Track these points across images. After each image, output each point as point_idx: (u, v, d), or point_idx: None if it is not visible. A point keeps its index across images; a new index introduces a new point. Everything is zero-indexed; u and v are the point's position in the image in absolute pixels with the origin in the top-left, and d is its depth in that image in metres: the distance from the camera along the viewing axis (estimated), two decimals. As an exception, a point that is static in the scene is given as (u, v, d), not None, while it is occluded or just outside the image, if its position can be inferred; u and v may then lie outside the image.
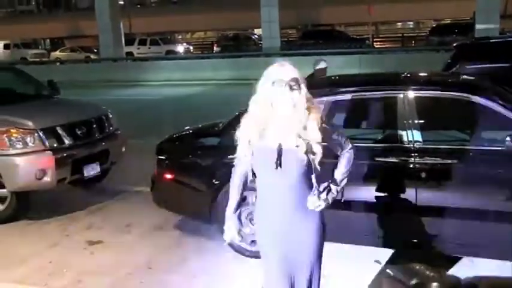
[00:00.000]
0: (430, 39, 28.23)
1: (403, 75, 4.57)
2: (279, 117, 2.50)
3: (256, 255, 4.18)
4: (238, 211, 2.83)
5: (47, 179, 5.44)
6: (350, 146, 2.69)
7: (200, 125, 5.48)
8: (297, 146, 2.47)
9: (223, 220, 2.86)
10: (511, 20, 28.66)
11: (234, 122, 4.55)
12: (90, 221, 5.57)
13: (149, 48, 31.13)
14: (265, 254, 2.71)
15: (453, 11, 32.37)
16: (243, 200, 4.27)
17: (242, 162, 2.68)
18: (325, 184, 2.61)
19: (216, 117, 5.87)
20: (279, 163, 2.48)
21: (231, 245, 4.06)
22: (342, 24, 37.05)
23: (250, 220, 4.34)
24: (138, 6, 40.82)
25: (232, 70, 19.47)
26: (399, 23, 46.37)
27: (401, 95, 4.02)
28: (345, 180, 2.68)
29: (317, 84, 4.76)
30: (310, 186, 2.56)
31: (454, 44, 6.66)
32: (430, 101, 4.08)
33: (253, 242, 4.30)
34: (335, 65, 11.89)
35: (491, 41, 7.52)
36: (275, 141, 2.51)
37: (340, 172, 2.67)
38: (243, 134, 2.58)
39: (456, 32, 26.73)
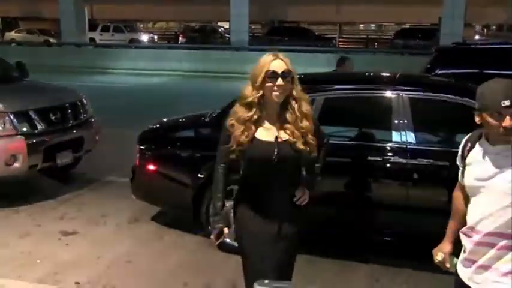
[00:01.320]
0: (394, 42, 28.78)
1: (397, 76, 4.61)
2: (271, 108, 2.47)
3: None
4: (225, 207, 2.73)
5: (17, 165, 5.18)
6: (327, 139, 2.81)
7: (184, 116, 5.32)
8: (293, 138, 2.45)
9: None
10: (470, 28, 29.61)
11: (224, 114, 4.52)
12: (63, 211, 5.33)
13: (112, 35, 30.19)
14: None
15: (416, 16, 33.11)
16: (229, 195, 4.26)
17: (227, 154, 2.56)
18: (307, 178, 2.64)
19: (187, 109, 5.77)
20: (276, 155, 2.43)
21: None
22: (306, 22, 37.28)
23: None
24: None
25: (200, 62, 19.20)
26: (362, 25, 47.14)
27: (395, 96, 4.06)
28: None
29: (308, 81, 4.71)
30: (299, 178, 2.59)
31: (435, 48, 6.78)
32: (422, 102, 4.12)
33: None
34: (302, 62, 11.90)
35: (471, 46, 7.71)
36: (269, 133, 2.47)
37: (319, 165, 2.77)
38: (236, 125, 2.49)
39: (420, 36, 27.37)
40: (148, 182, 4.79)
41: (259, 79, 2.41)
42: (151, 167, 4.68)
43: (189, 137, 4.90)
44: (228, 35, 29.48)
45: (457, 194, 2.33)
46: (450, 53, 7.13)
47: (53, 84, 6.98)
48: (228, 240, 4.28)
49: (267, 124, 2.49)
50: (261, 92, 2.43)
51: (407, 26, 34.15)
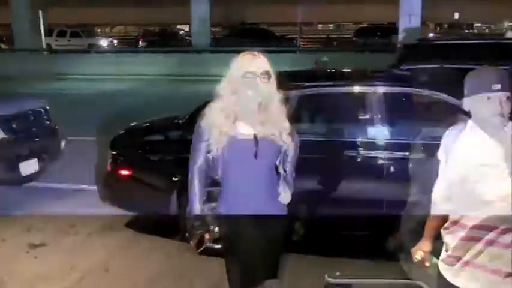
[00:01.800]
0: (355, 41, 29.31)
1: (367, 72, 4.67)
2: (249, 107, 2.44)
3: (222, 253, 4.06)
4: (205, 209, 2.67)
5: (-21, 176, 4.90)
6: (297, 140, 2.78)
7: (156, 119, 5.20)
8: (272, 135, 2.45)
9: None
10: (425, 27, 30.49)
11: (197, 115, 4.42)
12: (29, 222, 5.05)
13: (69, 40, 29.29)
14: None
15: (374, 15, 33.88)
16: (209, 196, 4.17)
17: (203, 153, 2.51)
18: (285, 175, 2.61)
19: (153, 113, 5.66)
20: (256, 151, 2.42)
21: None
22: (266, 23, 37.56)
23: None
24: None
25: (162, 66, 18.93)
26: (320, 25, 47.86)
27: (369, 91, 4.09)
28: None
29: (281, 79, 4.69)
30: (277, 176, 2.56)
31: (399, 45, 6.91)
32: (394, 96, 4.15)
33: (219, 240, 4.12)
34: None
35: (434, 42, 7.89)
36: (248, 131, 2.45)
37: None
38: (213, 124, 2.46)
39: (379, 34, 27.97)
40: (121, 188, 4.63)
41: (238, 78, 2.39)
42: (124, 172, 4.53)
43: (162, 140, 4.79)
44: (188, 38, 29.25)
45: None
46: (415, 48, 7.27)
47: (14, 92, 6.69)
48: (207, 244, 4.20)
49: (244, 122, 2.46)
50: (239, 91, 2.40)
51: (365, 25, 34.91)
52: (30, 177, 5.70)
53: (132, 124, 5.14)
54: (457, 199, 2.12)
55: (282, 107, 2.51)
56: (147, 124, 5.16)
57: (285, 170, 2.59)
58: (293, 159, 2.56)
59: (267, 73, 2.41)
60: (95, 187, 5.47)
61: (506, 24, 44.08)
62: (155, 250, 4.43)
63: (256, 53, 2.46)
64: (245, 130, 2.45)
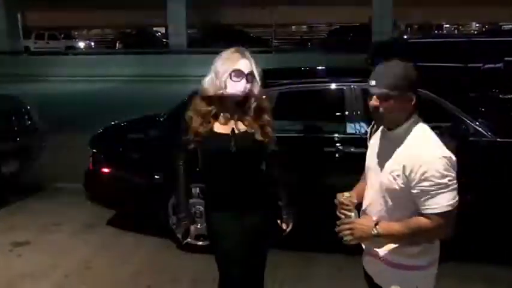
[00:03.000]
0: (328, 41, 29.58)
1: (346, 69, 4.78)
2: (231, 103, 2.47)
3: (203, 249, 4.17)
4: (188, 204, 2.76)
5: (-38, 176, 4.94)
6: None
7: (136, 117, 5.28)
8: (252, 129, 2.47)
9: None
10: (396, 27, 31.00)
11: (178, 112, 4.52)
12: (12, 221, 5.13)
13: (47, 43, 29.34)
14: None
15: (346, 16, 34.34)
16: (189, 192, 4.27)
17: (186, 147, 2.54)
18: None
19: (131, 113, 5.71)
20: (233, 146, 2.44)
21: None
22: (240, 25, 37.71)
23: (195, 214, 4.27)
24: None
25: (139, 67, 18.98)
26: (293, 27, 48.21)
27: (347, 88, 4.19)
28: None
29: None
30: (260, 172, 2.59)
31: (372, 41, 7.11)
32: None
33: (201, 236, 4.25)
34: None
35: (409, 40, 8.11)
36: (227, 126, 2.48)
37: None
38: (194, 118, 2.48)
39: (352, 35, 28.32)
40: (103, 186, 4.71)
41: (224, 76, 2.40)
42: (106, 169, 4.61)
43: (142, 137, 4.84)
44: (165, 40, 29.21)
45: None
46: (387, 47, 7.47)
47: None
48: (189, 239, 4.32)
49: (224, 118, 2.48)
50: (226, 88, 2.41)
51: (337, 26, 35.31)
52: (12, 176, 5.73)
53: (112, 122, 5.20)
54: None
55: (266, 104, 2.53)
56: (127, 122, 5.21)
57: (268, 167, 2.59)
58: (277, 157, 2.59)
59: (253, 75, 2.43)
60: (75, 185, 5.53)
61: (474, 25, 45.39)
62: (137, 247, 4.51)
63: (244, 51, 2.46)
64: (223, 126, 2.47)
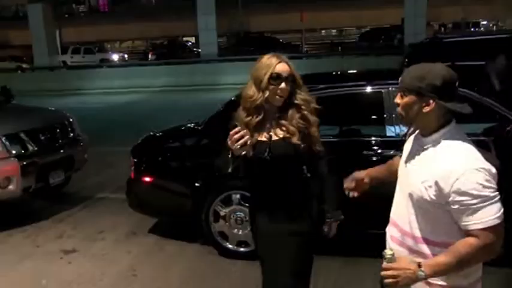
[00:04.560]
0: (359, 45, 29.42)
1: (385, 71, 4.72)
2: (273, 111, 2.45)
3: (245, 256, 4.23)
4: None
5: (11, 187, 5.15)
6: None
7: (175, 126, 5.38)
8: (288, 133, 2.42)
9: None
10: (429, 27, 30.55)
11: (215, 120, 4.61)
12: (60, 229, 5.31)
13: (83, 57, 30.38)
14: None
15: (376, 18, 34.02)
16: (228, 199, 4.32)
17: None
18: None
19: (169, 122, 5.81)
20: (268, 153, 2.41)
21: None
22: (270, 31, 37.87)
23: (236, 221, 4.33)
24: (66, 16, 39.50)
25: (173, 77, 19.26)
26: (323, 31, 48.08)
27: (385, 90, 4.16)
28: None
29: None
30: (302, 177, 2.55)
31: (409, 44, 7.03)
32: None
33: (243, 243, 4.32)
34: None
35: (443, 40, 7.96)
36: (266, 133, 2.46)
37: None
38: (242, 125, 2.43)
39: (383, 37, 28.09)
40: (145, 194, 4.81)
41: (264, 81, 2.39)
42: (147, 178, 4.70)
43: (183, 146, 4.93)
44: (196, 49, 29.63)
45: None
46: (422, 47, 7.38)
47: (40, 106, 6.99)
48: (230, 246, 4.40)
49: (265, 124, 2.47)
50: (266, 94, 2.40)
51: (368, 28, 35.02)
52: (58, 187, 5.95)
53: (151, 132, 5.31)
54: None
55: (311, 107, 2.47)
56: (166, 131, 5.31)
57: (311, 172, 2.53)
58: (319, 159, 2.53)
59: (292, 77, 2.42)
60: (118, 195, 5.67)
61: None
62: (180, 254, 4.58)
63: (281, 55, 2.45)
64: (263, 133, 2.46)
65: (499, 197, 1.75)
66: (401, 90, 1.90)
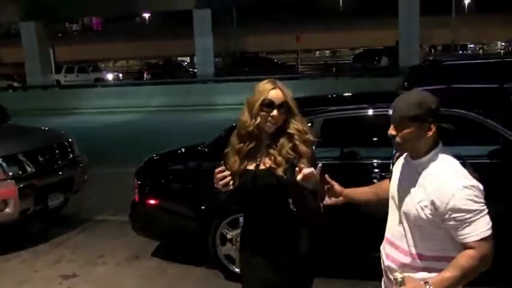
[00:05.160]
0: (353, 66, 29.67)
1: (390, 94, 4.70)
2: (264, 138, 2.38)
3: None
4: None
5: (8, 210, 5.01)
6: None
7: (178, 148, 5.30)
8: (275, 164, 2.32)
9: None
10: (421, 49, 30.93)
11: (219, 142, 4.54)
12: (58, 254, 5.15)
13: (77, 76, 30.19)
14: None
15: (369, 40, 34.51)
16: (235, 222, 4.24)
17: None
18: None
19: (166, 143, 5.71)
20: (252, 183, 2.34)
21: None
22: (264, 52, 38.22)
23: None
24: (60, 34, 39.59)
25: (169, 97, 19.21)
26: (317, 52, 48.67)
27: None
28: None
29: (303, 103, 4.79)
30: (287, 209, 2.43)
31: (411, 66, 7.05)
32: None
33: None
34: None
35: (443, 63, 8.04)
36: (255, 161, 2.38)
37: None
38: (230, 155, 2.42)
39: (377, 58, 28.32)
40: (149, 217, 4.72)
41: (256, 107, 2.33)
42: (152, 201, 4.62)
43: (187, 168, 4.85)
44: (191, 69, 29.71)
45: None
46: (423, 70, 7.42)
47: (37, 126, 6.86)
48: (237, 269, 4.28)
49: (256, 153, 2.39)
50: (258, 120, 2.33)
51: (361, 50, 35.45)
52: (57, 209, 5.80)
53: (155, 154, 5.23)
54: None
55: (305, 137, 2.36)
56: (169, 153, 5.24)
57: (296, 206, 2.39)
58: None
59: (285, 105, 2.34)
60: (118, 217, 5.53)
61: (499, 44, 44.88)
62: (184, 278, 4.48)
63: (277, 82, 2.38)
64: (252, 161, 2.38)
65: (487, 210, 1.88)
66: (399, 121, 1.93)
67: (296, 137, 2.34)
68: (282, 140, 2.34)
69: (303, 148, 2.33)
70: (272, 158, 2.33)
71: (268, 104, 2.32)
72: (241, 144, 2.39)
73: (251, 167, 2.37)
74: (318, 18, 36.04)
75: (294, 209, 2.38)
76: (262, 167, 2.35)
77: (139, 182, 4.72)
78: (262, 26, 36.07)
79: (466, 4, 39.16)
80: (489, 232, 1.87)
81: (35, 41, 23.31)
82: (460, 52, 36.21)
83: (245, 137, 2.39)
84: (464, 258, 1.86)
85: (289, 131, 2.35)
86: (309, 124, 3.96)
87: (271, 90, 2.34)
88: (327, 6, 42.14)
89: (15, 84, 27.72)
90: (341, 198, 2.31)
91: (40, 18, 23.80)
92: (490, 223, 1.88)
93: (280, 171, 2.30)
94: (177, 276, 4.53)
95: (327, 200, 2.31)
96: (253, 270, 2.46)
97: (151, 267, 4.76)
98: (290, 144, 2.33)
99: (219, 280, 4.32)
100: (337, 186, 2.29)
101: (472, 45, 43.96)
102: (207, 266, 4.53)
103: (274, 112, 2.31)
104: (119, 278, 4.58)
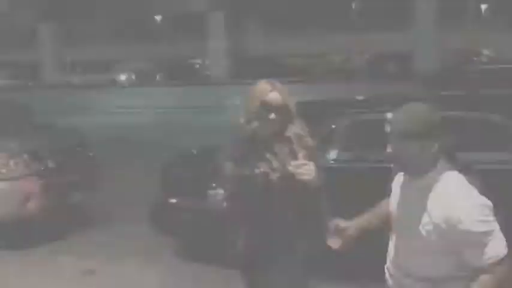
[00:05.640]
0: (368, 69, 29.61)
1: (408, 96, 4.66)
2: (263, 141, 2.31)
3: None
4: None
5: (31, 206, 5.03)
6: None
7: (198, 148, 5.31)
8: (275, 170, 2.27)
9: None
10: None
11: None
12: (78, 251, 5.16)
13: (91, 76, 30.34)
14: None
15: (383, 45, 34.27)
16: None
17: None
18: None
19: (181, 144, 5.66)
20: (253, 189, 2.31)
21: None
22: (278, 55, 38.10)
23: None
24: (74, 35, 39.90)
25: (182, 98, 19.26)
26: (334, 55, 48.28)
27: None
28: None
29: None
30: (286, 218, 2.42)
31: (430, 71, 6.99)
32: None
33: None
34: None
35: (463, 68, 7.97)
36: (255, 166, 2.31)
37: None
38: (231, 157, 2.38)
39: (392, 63, 28.23)
40: (172, 216, 4.70)
41: (253, 110, 2.26)
42: (174, 200, 4.63)
43: (209, 166, 4.83)
44: (205, 71, 29.77)
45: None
46: (443, 75, 7.37)
47: (58, 124, 6.93)
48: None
49: (254, 157, 2.31)
50: (255, 124, 2.26)
51: (377, 53, 35.21)
52: (76, 207, 5.83)
53: (178, 154, 5.26)
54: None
55: (305, 143, 2.30)
56: (191, 153, 5.27)
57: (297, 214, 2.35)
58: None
59: (283, 108, 2.25)
60: (135, 216, 5.53)
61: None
62: (205, 277, 4.47)
63: (276, 83, 2.30)
64: (252, 165, 2.30)
65: (498, 227, 1.75)
66: (398, 138, 1.79)
67: (294, 141, 2.27)
68: (280, 145, 2.27)
69: (301, 153, 2.25)
70: (269, 162, 2.26)
71: (266, 108, 2.23)
72: (240, 148, 2.33)
73: (247, 171, 2.28)
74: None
75: (291, 214, 2.32)
76: (257, 171, 2.26)
77: (163, 181, 4.75)
78: (276, 28, 35.97)
79: (483, 9, 38.80)
80: (505, 252, 1.74)
81: (50, 42, 23.55)
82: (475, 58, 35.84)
83: (243, 140, 2.32)
84: (482, 285, 1.73)
85: (288, 135, 2.28)
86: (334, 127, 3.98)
87: (270, 93, 2.25)
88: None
89: (30, 84, 27.97)
90: (351, 234, 2.12)
91: (56, 19, 24.06)
92: (505, 242, 1.75)
93: (274, 176, 2.24)
94: (198, 275, 4.51)
95: (336, 245, 2.14)
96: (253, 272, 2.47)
97: (172, 265, 4.76)
98: (287, 149, 2.26)
99: (238, 279, 4.29)
100: (343, 224, 2.13)
101: (487, 52, 43.40)
102: (227, 265, 4.51)
103: (272, 115, 2.23)
104: (138, 277, 4.58)
